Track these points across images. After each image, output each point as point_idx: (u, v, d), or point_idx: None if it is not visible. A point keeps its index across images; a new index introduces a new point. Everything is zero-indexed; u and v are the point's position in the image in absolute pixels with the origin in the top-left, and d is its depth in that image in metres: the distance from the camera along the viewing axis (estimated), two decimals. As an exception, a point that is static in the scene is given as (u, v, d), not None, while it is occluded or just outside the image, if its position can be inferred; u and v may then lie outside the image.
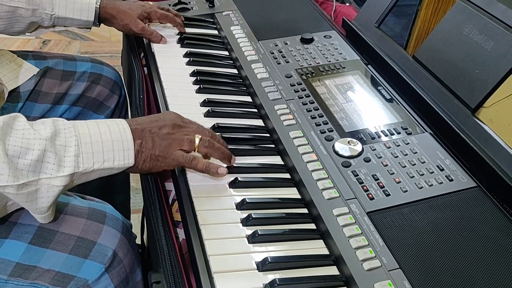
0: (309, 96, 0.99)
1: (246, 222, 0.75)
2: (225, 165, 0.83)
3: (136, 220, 1.59)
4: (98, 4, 1.15)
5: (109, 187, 1.36)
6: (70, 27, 1.19)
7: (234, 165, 0.84)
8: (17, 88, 1.12)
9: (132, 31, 1.19)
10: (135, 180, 1.72)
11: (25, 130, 0.67)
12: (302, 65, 1.09)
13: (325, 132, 0.90)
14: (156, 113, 0.93)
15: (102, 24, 1.20)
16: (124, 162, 0.74)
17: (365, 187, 0.79)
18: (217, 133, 0.90)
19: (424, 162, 0.83)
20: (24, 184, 0.65)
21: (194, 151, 0.81)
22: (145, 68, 1.17)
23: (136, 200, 1.80)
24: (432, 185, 0.79)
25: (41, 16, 1.11)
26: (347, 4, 1.46)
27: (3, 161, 0.63)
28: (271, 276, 0.67)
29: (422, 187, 0.79)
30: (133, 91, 1.08)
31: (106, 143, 0.72)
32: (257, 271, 0.68)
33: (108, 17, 1.17)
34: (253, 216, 0.74)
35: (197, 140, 0.80)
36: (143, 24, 1.18)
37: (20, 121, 0.68)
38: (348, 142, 0.87)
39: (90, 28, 1.20)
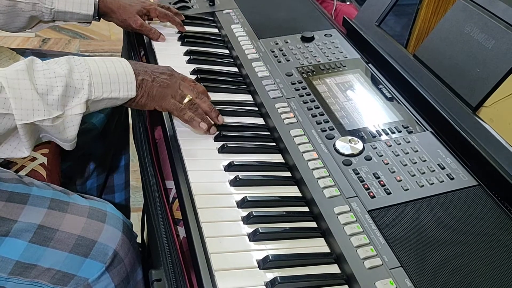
0: (309, 94, 0.99)
1: (247, 220, 0.74)
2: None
3: (135, 218, 1.59)
4: None
5: (109, 186, 1.36)
6: (70, 22, 1.18)
7: (236, 162, 0.83)
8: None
9: (130, 27, 1.18)
10: (134, 179, 1.72)
11: (45, 70, 0.75)
12: (303, 64, 1.09)
13: (326, 130, 0.90)
14: None
15: (101, 23, 1.20)
16: (128, 94, 0.83)
17: (366, 186, 0.79)
18: (218, 131, 0.91)
19: (425, 160, 0.83)
20: (56, 117, 0.74)
21: (181, 106, 0.89)
22: (146, 66, 1.16)
23: (136, 199, 1.80)
24: (433, 183, 0.79)
25: (41, 10, 1.10)
26: (348, 3, 1.46)
27: (37, 98, 0.71)
28: (272, 274, 0.67)
29: (423, 186, 0.78)
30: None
31: (113, 75, 0.81)
32: (258, 269, 0.68)
33: (108, 12, 1.17)
34: (254, 214, 0.74)
35: (186, 100, 0.89)
36: (142, 20, 1.18)
37: (37, 63, 0.76)
38: (349, 140, 0.87)
39: (90, 23, 1.19)
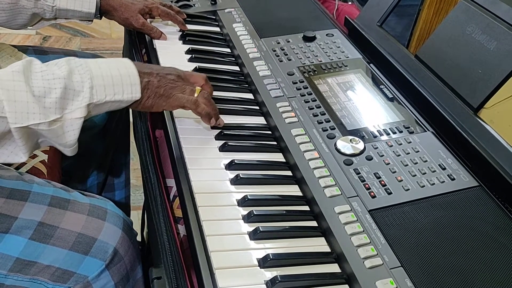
0: (311, 94, 0.99)
1: (247, 218, 0.74)
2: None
3: (135, 217, 1.59)
4: None
5: (109, 183, 1.36)
6: (72, 20, 1.18)
7: (237, 161, 0.83)
8: (18, 83, 1.11)
9: (132, 26, 1.18)
10: (134, 177, 1.72)
11: (43, 72, 0.72)
12: (304, 63, 1.09)
13: (327, 130, 0.90)
14: None
15: (102, 21, 1.20)
16: (132, 96, 0.79)
17: (367, 185, 0.79)
18: (219, 130, 0.91)
19: (426, 161, 0.83)
20: (53, 121, 0.71)
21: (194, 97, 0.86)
22: (147, 65, 1.16)
23: (136, 197, 1.80)
24: (434, 184, 0.79)
25: (43, 8, 1.10)
26: (350, 3, 1.46)
27: (33, 101, 0.69)
28: (272, 273, 0.67)
29: (424, 186, 0.78)
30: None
31: (116, 77, 0.78)
32: (258, 267, 0.68)
33: (110, 10, 1.17)
34: (255, 213, 0.74)
35: (197, 90, 0.86)
36: (144, 19, 1.18)
37: (36, 64, 0.73)
38: (350, 140, 0.87)
39: (92, 21, 1.19)
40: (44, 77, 0.71)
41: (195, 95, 0.85)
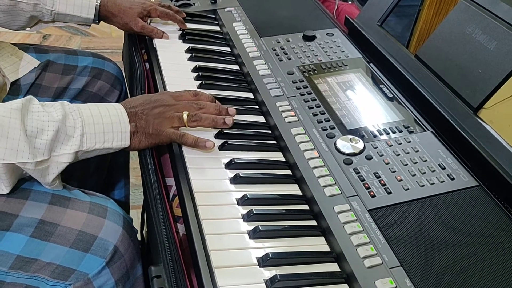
0: (311, 93, 0.99)
1: (247, 217, 0.74)
2: (215, 137, 0.89)
3: (134, 216, 1.59)
4: (99, 2, 1.14)
5: (108, 183, 1.35)
6: (70, 23, 1.18)
7: (236, 160, 0.84)
8: (17, 81, 1.11)
9: (132, 30, 1.19)
10: (134, 176, 1.72)
11: (40, 112, 0.74)
12: (304, 62, 1.09)
13: (326, 129, 0.90)
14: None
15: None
16: (121, 143, 0.82)
17: (366, 185, 0.79)
18: (219, 129, 0.91)
19: (426, 160, 0.83)
20: (40, 162, 0.73)
21: (185, 126, 0.87)
22: (147, 63, 1.17)
23: (135, 196, 1.80)
24: (433, 183, 0.79)
25: (42, 11, 1.11)
26: (350, 2, 1.46)
27: (24, 140, 0.70)
28: (272, 272, 0.67)
29: (423, 186, 0.79)
30: (135, 86, 1.08)
31: (107, 125, 0.79)
32: (257, 266, 0.68)
33: (109, 15, 1.17)
34: (254, 212, 0.74)
35: (185, 117, 0.86)
36: (143, 22, 1.18)
37: (34, 104, 0.75)
38: (350, 139, 0.87)
39: (90, 25, 1.20)
40: (40, 117, 0.73)
41: (184, 119, 0.86)
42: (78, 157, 0.78)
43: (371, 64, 1.08)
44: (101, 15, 1.17)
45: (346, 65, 1.08)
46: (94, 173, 1.30)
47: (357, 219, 0.74)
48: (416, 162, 0.82)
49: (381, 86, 1.01)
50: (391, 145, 0.86)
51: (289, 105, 0.97)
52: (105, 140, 0.79)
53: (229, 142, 0.87)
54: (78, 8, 1.13)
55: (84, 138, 0.77)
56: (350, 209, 0.75)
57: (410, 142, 0.87)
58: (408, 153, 0.84)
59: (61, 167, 0.76)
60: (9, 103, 0.72)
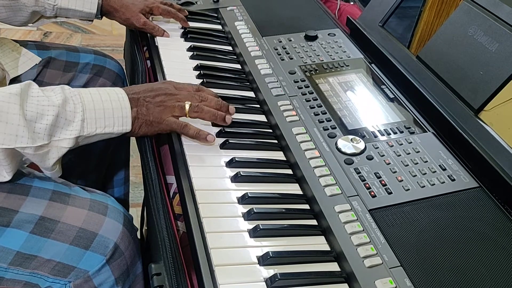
0: (312, 93, 0.99)
1: (247, 216, 0.75)
2: (216, 131, 0.89)
3: (134, 214, 1.59)
4: None
5: (108, 180, 1.35)
6: (72, 18, 1.18)
7: (237, 159, 0.84)
8: (18, 77, 1.11)
9: (133, 26, 1.19)
10: (134, 174, 1.72)
11: (39, 97, 0.73)
12: (306, 62, 1.09)
13: (328, 129, 0.90)
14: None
15: (104, 18, 1.20)
16: (123, 128, 0.81)
17: (367, 185, 0.79)
18: (220, 127, 0.91)
19: (427, 161, 0.83)
20: (40, 146, 0.72)
21: (186, 116, 0.86)
22: (148, 61, 1.17)
23: (135, 194, 1.80)
24: (434, 184, 0.79)
25: (44, 6, 1.10)
26: (352, 3, 1.46)
27: (23, 124, 0.70)
28: (272, 270, 0.67)
29: (424, 186, 0.79)
30: (136, 84, 1.07)
31: (108, 110, 0.79)
32: (258, 265, 0.68)
33: (111, 10, 1.17)
34: (255, 211, 0.74)
35: (187, 107, 0.85)
36: (145, 18, 1.18)
37: (34, 88, 0.74)
38: (351, 139, 0.87)
39: (92, 21, 1.19)
40: (40, 102, 0.72)
41: (186, 109, 0.85)
42: (79, 143, 0.77)
43: (372, 65, 1.09)
44: (103, 10, 1.17)
45: (348, 66, 1.08)
46: (94, 170, 1.30)
47: (357, 219, 0.74)
48: (417, 163, 0.83)
49: (383, 86, 1.01)
50: (392, 146, 0.86)
51: (290, 104, 0.97)
52: (106, 125, 0.78)
53: (230, 141, 0.87)
54: (80, 2, 1.13)
55: (85, 123, 0.76)
56: (351, 209, 0.75)
57: (411, 142, 0.87)
58: (409, 153, 0.84)
59: (61, 152, 0.75)
60: (8, 88, 0.72)
